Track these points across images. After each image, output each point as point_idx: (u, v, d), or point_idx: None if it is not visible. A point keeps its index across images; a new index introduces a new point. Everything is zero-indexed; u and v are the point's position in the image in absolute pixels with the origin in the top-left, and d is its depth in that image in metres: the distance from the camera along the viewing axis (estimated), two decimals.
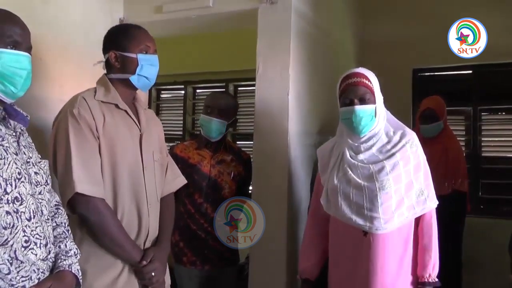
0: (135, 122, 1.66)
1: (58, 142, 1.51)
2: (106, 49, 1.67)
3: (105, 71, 1.71)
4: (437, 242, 1.71)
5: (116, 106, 1.62)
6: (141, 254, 1.58)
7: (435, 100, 3.12)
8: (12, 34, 1.22)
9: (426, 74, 3.84)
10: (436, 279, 1.68)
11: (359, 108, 1.65)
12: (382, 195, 1.62)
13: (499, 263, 2.25)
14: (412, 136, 1.72)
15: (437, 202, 1.71)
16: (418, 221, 1.72)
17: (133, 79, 1.63)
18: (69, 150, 1.47)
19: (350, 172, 1.69)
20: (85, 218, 1.49)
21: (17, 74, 1.21)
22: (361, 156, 1.70)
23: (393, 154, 1.67)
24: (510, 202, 3.51)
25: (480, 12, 2.61)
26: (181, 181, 1.91)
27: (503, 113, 3.75)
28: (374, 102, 1.68)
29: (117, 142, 1.57)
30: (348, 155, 1.72)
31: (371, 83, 1.68)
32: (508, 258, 1.98)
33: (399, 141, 1.70)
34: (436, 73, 3.84)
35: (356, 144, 1.72)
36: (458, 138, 3.37)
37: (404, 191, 1.65)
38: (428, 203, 1.68)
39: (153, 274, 1.57)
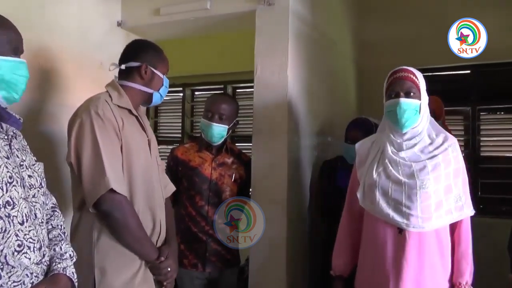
0: (143, 128, 1.72)
1: (84, 141, 1.52)
2: (135, 58, 1.70)
3: (114, 75, 1.75)
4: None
5: (129, 111, 1.67)
6: (157, 251, 1.63)
7: (433, 100, 3.10)
8: (12, 40, 1.21)
9: (424, 74, 3.81)
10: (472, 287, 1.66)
11: (404, 100, 1.66)
12: (422, 193, 1.61)
13: (499, 263, 2.25)
14: (454, 141, 1.73)
15: (474, 211, 1.70)
16: (453, 228, 1.71)
17: (155, 95, 1.75)
18: (98, 148, 1.50)
19: (390, 167, 1.68)
20: (109, 215, 1.51)
21: (19, 81, 1.23)
22: (402, 154, 1.69)
23: (435, 156, 1.67)
24: (509, 201, 3.50)
25: (480, 12, 2.61)
26: (172, 188, 1.97)
27: (502, 112, 3.74)
28: (419, 99, 1.69)
29: (132, 146, 1.62)
30: (389, 151, 1.71)
31: (418, 80, 1.71)
32: (507, 257, 1.98)
33: (442, 144, 1.70)
34: (434, 73, 3.83)
35: (399, 141, 1.71)
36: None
37: (444, 193, 1.64)
38: (466, 209, 1.68)
39: (169, 269, 1.64)
